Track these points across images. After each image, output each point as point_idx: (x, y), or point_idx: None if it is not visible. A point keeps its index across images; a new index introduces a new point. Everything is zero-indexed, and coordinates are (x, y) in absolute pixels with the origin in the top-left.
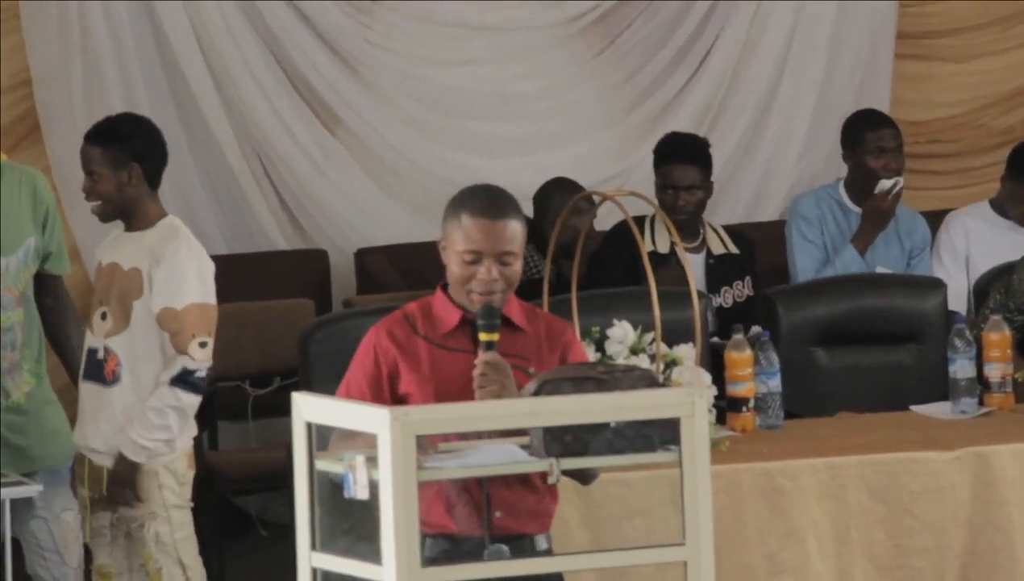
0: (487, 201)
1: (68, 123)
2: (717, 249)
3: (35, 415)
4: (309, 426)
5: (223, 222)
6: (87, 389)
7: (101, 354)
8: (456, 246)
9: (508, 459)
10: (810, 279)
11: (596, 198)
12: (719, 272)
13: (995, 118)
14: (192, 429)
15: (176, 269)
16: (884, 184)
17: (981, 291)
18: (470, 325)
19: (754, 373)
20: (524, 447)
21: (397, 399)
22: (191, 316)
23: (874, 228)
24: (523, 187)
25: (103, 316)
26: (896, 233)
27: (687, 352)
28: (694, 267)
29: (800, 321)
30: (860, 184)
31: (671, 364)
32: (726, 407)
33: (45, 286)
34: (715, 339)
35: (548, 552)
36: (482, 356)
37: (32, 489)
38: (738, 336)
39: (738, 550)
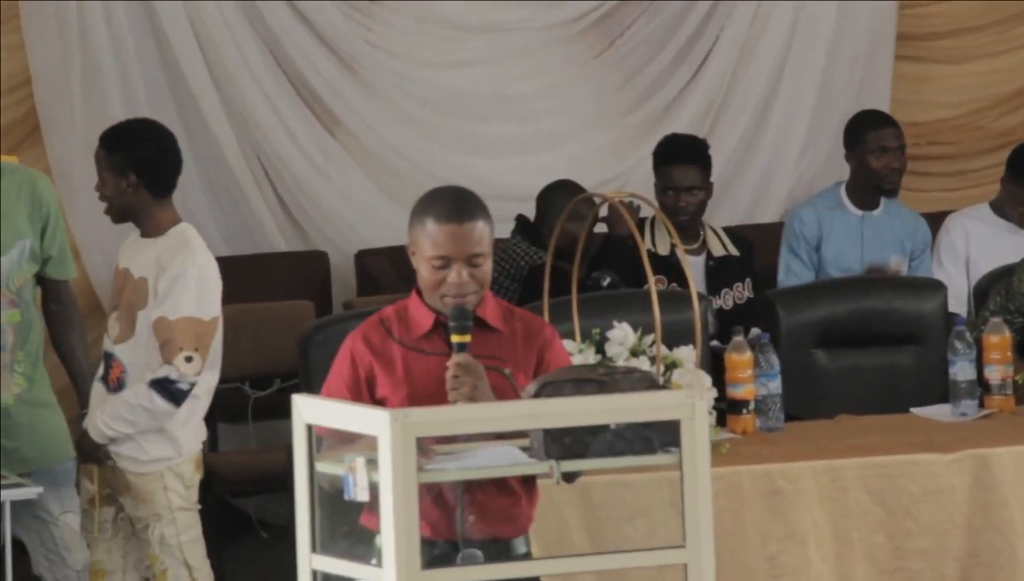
0: (452, 205)
1: (68, 123)
2: (717, 251)
3: (25, 417)
4: (309, 428)
5: (223, 224)
6: (97, 389)
7: (110, 360)
8: (425, 252)
9: (508, 461)
10: None
11: (596, 200)
12: (719, 274)
13: (995, 120)
14: (202, 434)
15: (177, 280)
16: (884, 267)
17: (981, 293)
18: (444, 328)
19: (754, 375)
20: (524, 449)
21: (375, 403)
22: (181, 329)
23: None
24: (523, 188)
25: (113, 321)
26: (897, 234)
27: (687, 354)
28: (694, 269)
29: (800, 323)
30: (862, 184)
31: (671, 366)
32: (726, 409)
33: (48, 291)
34: (715, 343)
35: (527, 556)
36: (454, 358)
37: (32, 491)
38: (738, 338)
39: (738, 552)
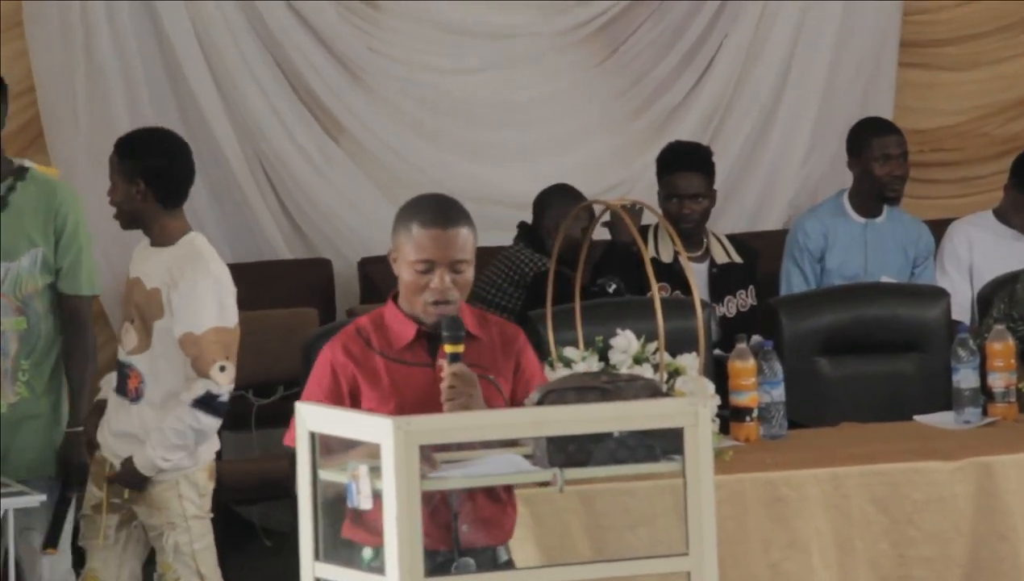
0: (437, 210)
1: (71, 129)
2: (720, 258)
3: (13, 426)
4: (313, 436)
5: (226, 231)
6: (114, 400)
7: (126, 370)
8: (408, 256)
9: (511, 470)
10: None
11: (600, 207)
12: (722, 281)
13: (998, 127)
14: (215, 444)
15: (194, 293)
16: None
17: (985, 300)
18: (426, 338)
19: (757, 383)
20: (527, 457)
21: None
22: (210, 341)
23: None
24: (526, 194)
25: (128, 332)
26: (900, 242)
27: (690, 362)
28: (697, 276)
29: (803, 330)
30: (865, 191)
31: (674, 374)
32: (729, 417)
33: (61, 304)
34: (717, 351)
35: (509, 564)
36: (449, 368)
37: (34, 499)
38: (741, 346)
39: (741, 560)
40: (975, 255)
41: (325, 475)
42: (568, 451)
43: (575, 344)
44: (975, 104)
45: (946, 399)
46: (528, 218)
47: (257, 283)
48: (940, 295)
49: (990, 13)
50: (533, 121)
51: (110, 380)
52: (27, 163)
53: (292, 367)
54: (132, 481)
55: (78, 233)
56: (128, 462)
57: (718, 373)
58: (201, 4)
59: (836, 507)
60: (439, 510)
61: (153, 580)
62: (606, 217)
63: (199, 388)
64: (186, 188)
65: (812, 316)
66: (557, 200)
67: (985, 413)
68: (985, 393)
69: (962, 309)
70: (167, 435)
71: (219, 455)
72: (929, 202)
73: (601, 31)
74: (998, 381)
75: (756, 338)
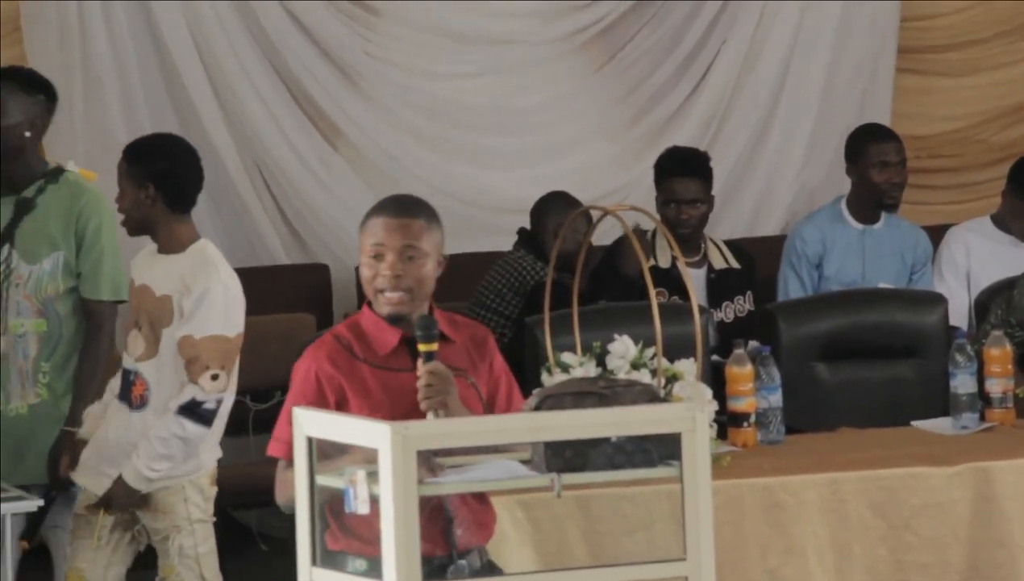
0: (392, 202)
1: (69, 134)
2: (718, 264)
3: (36, 430)
4: (310, 441)
5: (224, 236)
6: (116, 407)
7: (132, 377)
8: (364, 248)
9: (508, 475)
10: None
11: (598, 213)
12: (720, 287)
13: (996, 133)
14: (217, 450)
15: (204, 299)
16: None
17: (982, 306)
18: (408, 344)
19: (755, 388)
20: (524, 462)
21: None
22: (207, 347)
23: None
24: (525, 200)
25: (135, 338)
26: (898, 248)
27: (688, 367)
28: (695, 282)
29: (801, 336)
30: (863, 198)
31: (672, 379)
32: (727, 422)
33: (83, 308)
34: (715, 357)
35: (489, 564)
36: (424, 367)
37: (32, 504)
38: (739, 351)
39: (739, 565)
40: (973, 261)
41: (322, 480)
42: (566, 456)
43: (573, 349)
44: (973, 110)
45: (944, 405)
46: (526, 223)
47: (255, 288)
48: (938, 301)
49: (988, 19)
50: (531, 127)
51: (112, 387)
52: (70, 166)
53: (289, 372)
54: (128, 500)
55: (100, 237)
56: (118, 484)
57: (716, 378)
58: (198, 9)
59: (834, 512)
60: (434, 515)
61: None
62: (609, 231)
63: (185, 395)
64: (195, 194)
65: (810, 322)
66: (555, 207)
67: (983, 418)
68: (983, 398)
69: (960, 315)
70: (153, 445)
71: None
72: (927, 208)
73: (599, 37)
74: (995, 387)
75: (754, 343)
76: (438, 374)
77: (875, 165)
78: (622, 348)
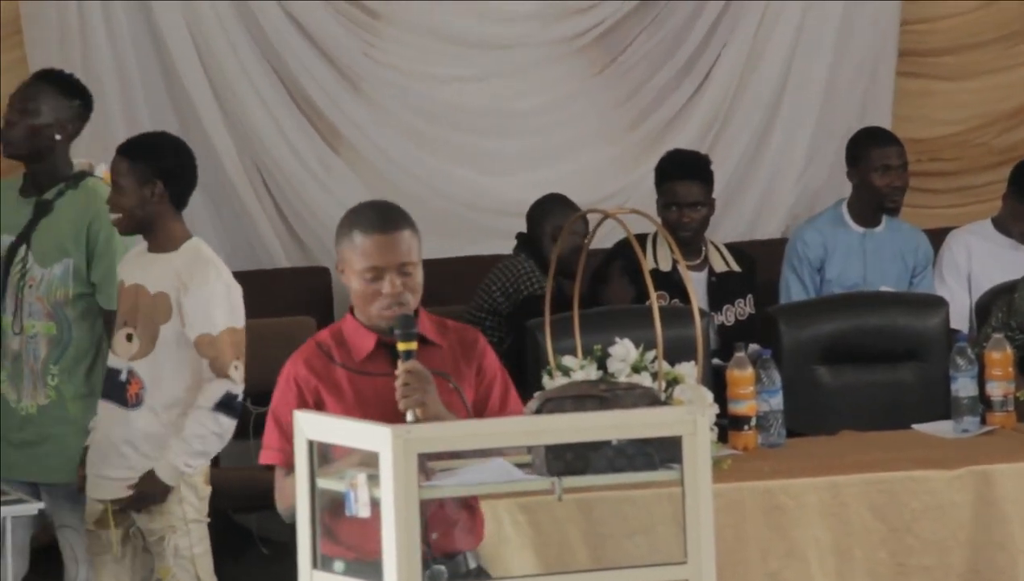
0: (377, 216)
1: None
2: (719, 267)
3: (43, 430)
4: (310, 444)
5: (225, 239)
6: (107, 408)
7: (124, 376)
8: (355, 266)
9: (503, 476)
10: None
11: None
12: (721, 290)
13: (996, 136)
14: None
15: (207, 296)
16: None
17: (983, 309)
18: (386, 348)
19: (756, 391)
20: (521, 465)
21: None
22: (225, 342)
23: None
24: (525, 203)
25: (128, 337)
26: (899, 251)
27: (689, 370)
28: (696, 285)
29: (802, 339)
30: (864, 201)
31: (673, 382)
32: (728, 425)
33: (102, 317)
34: (716, 361)
35: (479, 570)
36: (403, 365)
37: (32, 507)
38: (740, 354)
39: (740, 568)
40: (973, 264)
41: (323, 483)
42: (566, 459)
43: (573, 353)
44: (973, 114)
45: (945, 408)
46: (520, 227)
47: (255, 291)
48: (939, 304)
49: (988, 23)
50: (532, 130)
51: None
52: (99, 170)
53: None
54: (153, 496)
55: (111, 247)
56: (147, 479)
57: (716, 382)
58: (198, 10)
59: (834, 516)
60: None
61: None
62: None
63: (218, 390)
64: (191, 192)
65: (811, 325)
66: (552, 210)
67: (983, 422)
68: (983, 402)
69: (960, 318)
70: (191, 443)
71: (217, 463)
72: (927, 211)
73: (600, 40)
74: (996, 390)
75: (754, 347)
76: (416, 373)
77: (877, 169)
78: (623, 351)
